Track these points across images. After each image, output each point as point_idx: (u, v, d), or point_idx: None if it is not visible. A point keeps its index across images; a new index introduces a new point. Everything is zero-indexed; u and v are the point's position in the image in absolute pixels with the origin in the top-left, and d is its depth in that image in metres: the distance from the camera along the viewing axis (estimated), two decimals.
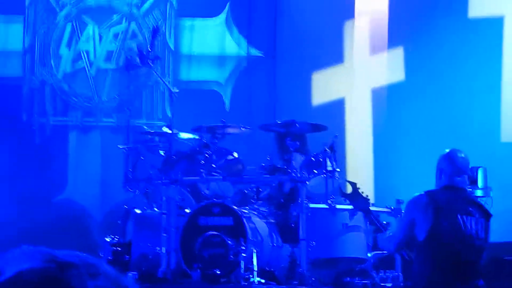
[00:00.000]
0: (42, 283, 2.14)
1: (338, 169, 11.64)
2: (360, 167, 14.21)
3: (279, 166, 11.84)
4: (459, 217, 10.21)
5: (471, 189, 10.26)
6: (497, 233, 10.66)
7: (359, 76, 15.60)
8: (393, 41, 15.52)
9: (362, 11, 15.98)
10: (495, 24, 14.87)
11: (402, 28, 15.46)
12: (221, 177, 11.73)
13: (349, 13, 15.97)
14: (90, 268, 2.18)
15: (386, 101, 15.58)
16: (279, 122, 11.86)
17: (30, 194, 15.28)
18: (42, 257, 2.19)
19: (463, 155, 10.30)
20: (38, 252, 2.18)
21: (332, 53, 15.81)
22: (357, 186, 11.48)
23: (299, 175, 11.65)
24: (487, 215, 10.34)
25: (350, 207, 11.64)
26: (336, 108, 15.45)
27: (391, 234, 11.65)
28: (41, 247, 2.24)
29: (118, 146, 13.17)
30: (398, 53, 15.51)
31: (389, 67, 15.39)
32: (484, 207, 10.57)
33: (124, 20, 16.34)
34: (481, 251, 10.26)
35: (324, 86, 15.74)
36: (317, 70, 15.96)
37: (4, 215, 12.65)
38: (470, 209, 10.29)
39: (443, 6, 15.07)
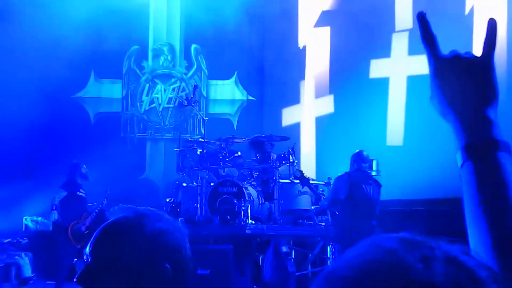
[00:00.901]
0: (129, 225, 2.08)
1: (296, 161, 11.24)
2: (307, 161, 13.65)
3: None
4: (363, 186, 10.68)
5: (370, 171, 9.78)
6: (383, 194, 10.71)
7: (308, 110, 14.22)
8: (328, 91, 14.79)
9: (311, 73, 15.18)
10: (384, 82, 14.37)
11: (332, 83, 14.64)
12: (230, 165, 12.01)
13: (302, 75, 15.76)
14: (156, 216, 2.13)
15: (325, 124, 15.18)
16: (263, 135, 11.26)
17: (124, 175, 15.23)
18: (129, 210, 2.15)
19: (365, 153, 10.93)
20: (127, 208, 2.14)
21: (293, 97, 15.94)
22: (303, 172, 11.87)
23: (274, 164, 10.64)
24: (378, 185, 10.82)
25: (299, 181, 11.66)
26: (295, 128, 15.84)
27: (325, 196, 11.86)
28: (129, 206, 2.20)
29: (174, 149, 12.02)
30: (331, 97, 15.11)
31: (325, 105, 13.50)
32: (377, 180, 11.00)
33: (178, 81, 16.86)
34: (375, 205, 10.66)
35: (289, 115, 15.82)
36: (285, 107, 16.00)
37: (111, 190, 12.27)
38: (370, 181, 10.82)
39: (351, 69, 14.44)
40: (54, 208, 12.82)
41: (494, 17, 1.59)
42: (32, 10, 15.18)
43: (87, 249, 2.06)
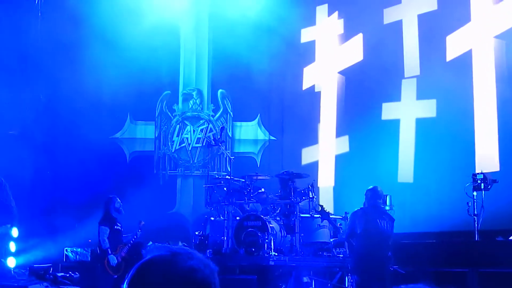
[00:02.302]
0: (163, 263, 2.10)
1: (315, 197, 11.30)
2: (325, 197, 14.01)
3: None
4: (378, 220, 10.62)
5: (383, 206, 9.90)
6: (396, 228, 10.73)
7: (325, 150, 15.93)
8: (341, 131, 15.50)
9: (327, 116, 15.89)
10: (396, 124, 14.65)
11: (347, 125, 15.37)
12: (255, 200, 11.72)
13: (319, 117, 16.08)
14: (189, 254, 2.12)
15: (342, 162, 15.69)
16: (284, 172, 11.28)
17: (157, 209, 15.70)
18: (163, 249, 2.15)
19: (379, 189, 10.88)
20: (161, 247, 2.14)
21: (311, 138, 16.24)
22: (323, 206, 12.03)
23: (295, 199, 10.92)
24: (392, 220, 10.77)
25: (320, 216, 12.07)
26: (314, 166, 16.01)
27: (343, 230, 12.03)
28: (163, 244, 2.45)
29: (203, 185, 12.15)
30: (345, 138, 15.59)
31: (341, 144, 15.70)
32: (390, 215, 10.97)
33: (206, 123, 17.09)
34: (389, 238, 10.63)
35: (307, 155, 16.24)
36: (304, 147, 16.15)
37: (146, 223, 12.41)
38: (384, 216, 10.77)
39: (365, 112, 14.93)
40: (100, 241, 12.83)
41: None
42: (77, 57, 15.62)
43: (124, 286, 2.22)
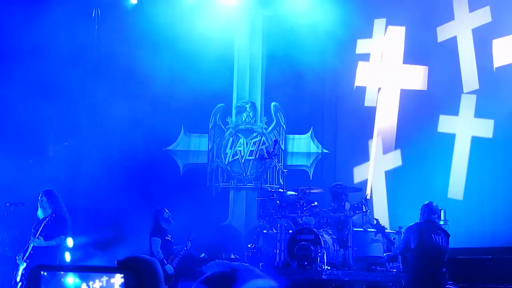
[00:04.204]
0: (224, 278, 2.21)
1: (368, 211, 11.10)
2: (379, 211, 13.59)
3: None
4: (433, 235, 10.53)
5: (438, 221, 9.79)
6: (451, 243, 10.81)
7: (377, 167, 15.54)
8: (395, 145, 15.46)
9: (379, 130, 15.90)
10: (451, 138, 14.52)
11: (399, 138, 15.46)
12: (308, 214, 11.76)
13: (371, 133, 15.81)
14: (248, 270, 2.27)
15: (394, 177, 15.49)
16: (338, 186, 11.22)
17: (210, 221, 15.63)
18: (224, 265, 2.31)
19: (434, 204, 10.77)
20: (222, 263, 2.32)
21: (363, 155, 15.96)
22: (379, 220, 11.94)
23: (348, 213, 11.71)
24: (447, 235, 10.72)
25: (374, 230, 12.00)
26: (364, 183, 15.43)
27: (397, 244, 11.87)
28: (223, 261, 2.36)
29: (256, 198, 12.09)
30: (397, 152, 15.41)
31: (394, 160, 15.40)
32: (445, 230, 10.88)
33: (259, 135, 16.96)
34: (444, 253, 10.55)
35: (359, 173, 15.94)
36: (356, 165, 16.11)
37: (196, 234, 12.45)
38: (438, 231, 10.68)
39: (419, 124, 14.92)
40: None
41: None
42: (133, 68, 15.70)
43: None
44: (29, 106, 14.66)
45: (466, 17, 14.67)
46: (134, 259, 2.92)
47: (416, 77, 15.35)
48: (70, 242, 10.92)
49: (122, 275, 2.65)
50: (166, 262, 12.33)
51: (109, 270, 2.72)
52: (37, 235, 10.50)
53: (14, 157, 14.06)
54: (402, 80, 15.61)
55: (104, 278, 2.78)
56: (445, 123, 14.80)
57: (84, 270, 2.78)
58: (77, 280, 2.78)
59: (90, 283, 2.78)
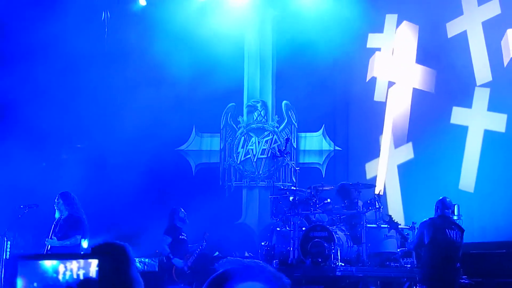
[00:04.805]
0: (236, 276, 2.21)
1: (382, 207, 12.33)
2: (394, 207, 14.89)
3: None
4: (447, 231, 10.48)
5: (452, 216, 9.75)
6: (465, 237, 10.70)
7: (390, 162, 15.67)
8: (407, 139, 15.41)
9: (389, 124, 15.82)
10: (463, 130, 14.51)
11: (411, 131, 15.45)
12: (321, 211, 12.21)
13: (380, 128, 15.89)
14: (261, 268, 2.27)
15: (407, 170, 15.42)
16: (350, 183, 12.36)
17: (223, 220, 15.76)
18: (236, 263, 2.32)
19: (448, 199, 10.72)
20: (234, 260, 2.35)
21: (373, 151, 15.96)
22: (392, 216, 11.83)
23: (361, 210, 12.02)
24: (461, 229, 10.65)
25: (387, 226, 11.93)
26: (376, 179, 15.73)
27: (410, 240, 11.77)
28: (235, 258, 2.38)
29: (269, 196, 12.18)
30: (409, 145, 15.36)
31: (406, 153, 15.34)
32: (460, 225, 10.82)
33: (270, 134, 17.05)
34: (458, 248, 10.50)
35: (371, 169, 15.94)
36: (367, 161, 16.08)
37: (210, 233, 12.49)
38: (452, 226, 10.62)
39: (432, 115, 14.93)
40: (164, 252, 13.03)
41: None
42: (144, 71, 15.92)
43: None
44: (42, 109, 14.65)
45: (475, 11, 14.59)
46: (107, 244, 3.26)
47: (428, 77, 15.17)
48: (85, 244, 10.95)
49: (97, 259, 2.86)
50: (173, 257, 12.56)
51: (84, 257, 2.92)
52: (50, 235, 10.65)
53: (27, 160, 14.09)
54: (414, 78, 15.41)
55: (81, 260, 2.97)
56: (458, 115, 14.75)
57: (61, 258, 2.92)
58: (55, 262, 2.92)
59: (68, 263, 2.90)
